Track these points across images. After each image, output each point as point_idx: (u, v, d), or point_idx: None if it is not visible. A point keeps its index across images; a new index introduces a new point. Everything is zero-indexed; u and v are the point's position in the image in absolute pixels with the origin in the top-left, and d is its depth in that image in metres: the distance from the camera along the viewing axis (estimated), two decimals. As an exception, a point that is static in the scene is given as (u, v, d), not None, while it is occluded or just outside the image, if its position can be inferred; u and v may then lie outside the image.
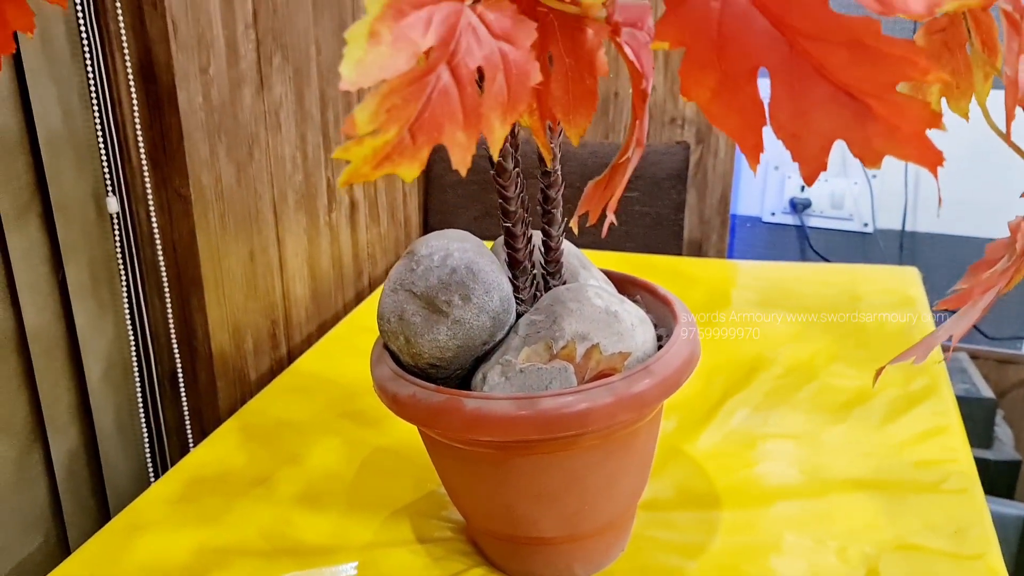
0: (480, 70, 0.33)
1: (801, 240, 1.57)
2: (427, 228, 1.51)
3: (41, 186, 0.75)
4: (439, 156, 1.50)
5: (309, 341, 1.15)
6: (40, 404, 0.77)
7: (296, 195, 1.09)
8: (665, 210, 1.39)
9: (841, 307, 1.04)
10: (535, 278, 0.66)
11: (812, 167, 0.34)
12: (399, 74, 0.31)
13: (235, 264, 0.98)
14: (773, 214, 1.59)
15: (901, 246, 1.51)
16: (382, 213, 1.35)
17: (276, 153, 1.04)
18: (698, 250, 1.52)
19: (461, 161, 0.34)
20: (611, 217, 0.39)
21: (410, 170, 0.34)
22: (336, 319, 1.22)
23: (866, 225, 1.53)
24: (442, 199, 1.50)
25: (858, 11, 0.31)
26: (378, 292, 1.22)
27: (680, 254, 1.37)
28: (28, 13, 0.46)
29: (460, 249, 0.61)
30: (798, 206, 1.57)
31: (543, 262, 0.66)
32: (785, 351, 0.94)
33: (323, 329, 1.19)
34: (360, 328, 1.10)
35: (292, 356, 1.11)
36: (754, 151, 0.35)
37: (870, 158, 0.34)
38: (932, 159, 0.33)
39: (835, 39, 0.31)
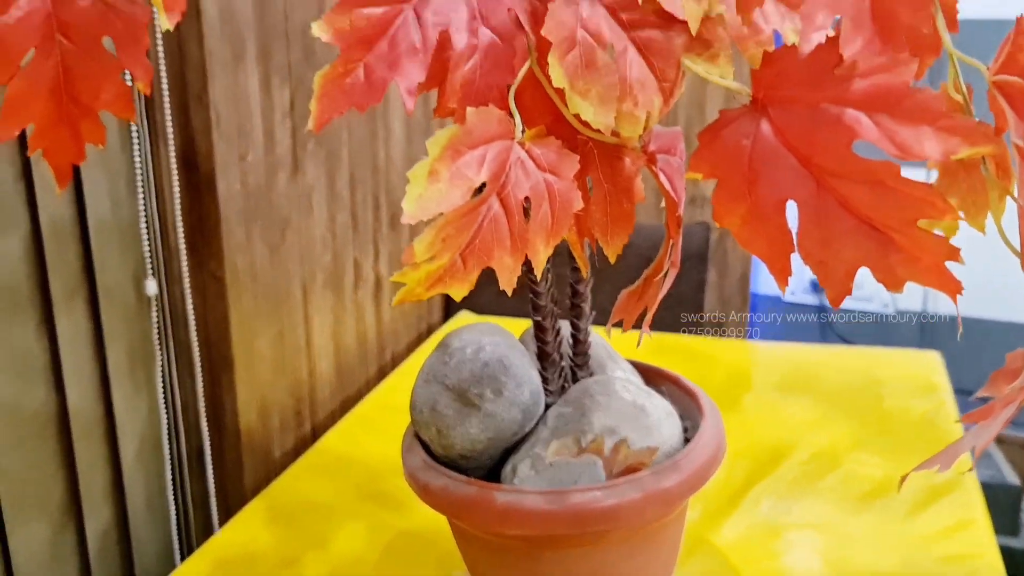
0: (527, 199, 0.36)
1: (821, 320, 1.58)
2: (449, 304, 1.54)
3: (88, 271, 0.78)
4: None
5: (333, 417, 1.17)
6: (77, 484, 0.78)
7: (324, 274, 1.12)
8: (685, 289, 1.41)
9: (863, 392, 1.05)
10: (563, 369, 0.68)
11: (838, 291, 0.36)
12: (454, 207, 0.33)
13: (265, 343, 1.00)
14: (793, 293, 1.61)
15: (922, 328, 1.52)
16: (406, 290, 1.38)
17: (307, 234, 1.07)
18: (719, 329, 1.53)
19: (508, 282, 0.36)
20: (646, 331, 0.41)
21: (460, 291, 0.36)
22: (359, 395, 1.24)
23: (886, 306, 1.54)
24: (465, 275, 1.52)
25: (880, 154, 0.34)
26: (401, 369, 1.24)
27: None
28: (101, 128, 0.49)
29: (492, 343, 0.63)
30: (818, 286, 1.59)
31: (571, 353, 0.68)
32: (808, 437, 0.95)
33: (346, 405, 1.20)
34: (383, 406, 1.12)
35: (316, 433, 1.13)
36: (782, 274, 0.37)
37: (893, 284, 0.36)
38: (952, 288, 0.35)
39: (858, 178, 0.34)
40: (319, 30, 0.32)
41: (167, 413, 0.91)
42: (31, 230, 0.73)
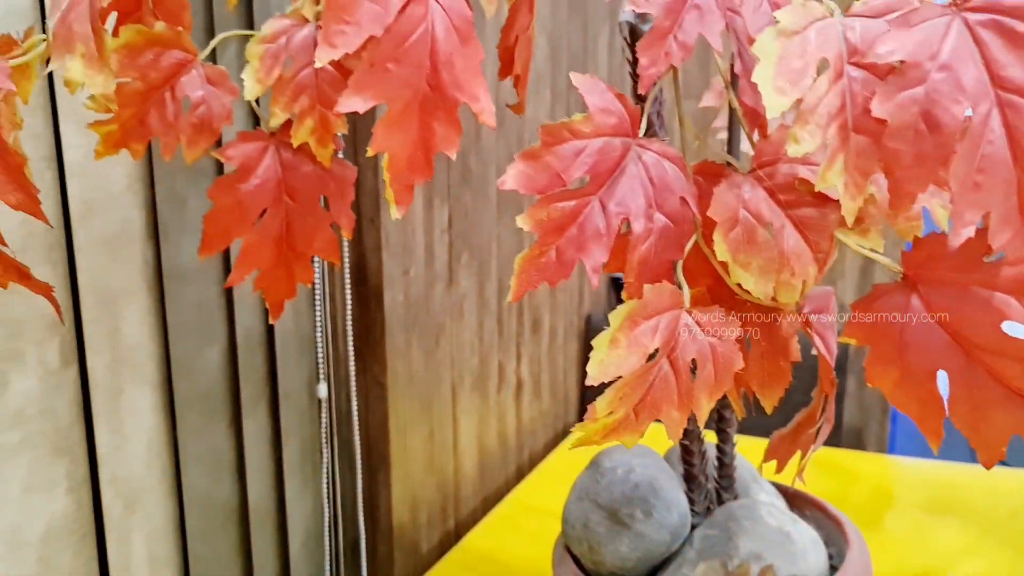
0: (694, 361, 0.40)
1: (968, 433, 1.52)
2: (584, 404, 1.58)
3: (271, 377, 0.88)
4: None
5: (474, 515, 1.22)
6: (252, 570, 0.86)
7: (472, 377, 1.19)
8: (823, 399, 1.40)
9: (1018, 518, 1.01)
10: (708, 491, 0.70)
11: (991, 455, 0.39)
12: (631, 371, 0.38)
13: (417, 443, 1.07)
14: (937, 404, 1.55)
15: (1081, 447, 1.43)
16: (544, 391, 1.43)
17: (457, 340, 1.15)
18: (857, 438, 1.50)
19: (674, 434, 0.40)
20: (801, 481, 0.44)
21: (631, 440, 0.41)
22: (498, 493, 1.29)
23: (1040, 421, 1.47)
24: (600, 376, 1.56)
25: (1029, 333, 0.36)
26: (538, 471, 1.28)
27: (839, 443, 1.36)
28: (310, 270, 0.57)
29: (642, 465, 0.67)
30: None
31: (716, 476, 0.71)
32: (957, 565, 0.92)
33: (486, 502, 1.25)
34: (523, 507, 1.16)
35: (459, 528, 1.18)
36: (935, 436, 0.40)
37: (1046, 450, 0.38)
38: (1106, 458, 0.37)
39: (1008, 355, 0.37)
40: (522, 222, 0.38)
41: (329, 506, 0.98)
42: (228, 342, 0.83)
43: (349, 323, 0.98)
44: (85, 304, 0.69)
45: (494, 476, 1.28)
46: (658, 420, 0.40)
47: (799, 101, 0.35)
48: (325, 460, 0.97)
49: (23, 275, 0.45)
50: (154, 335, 0.75)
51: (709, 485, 0.70)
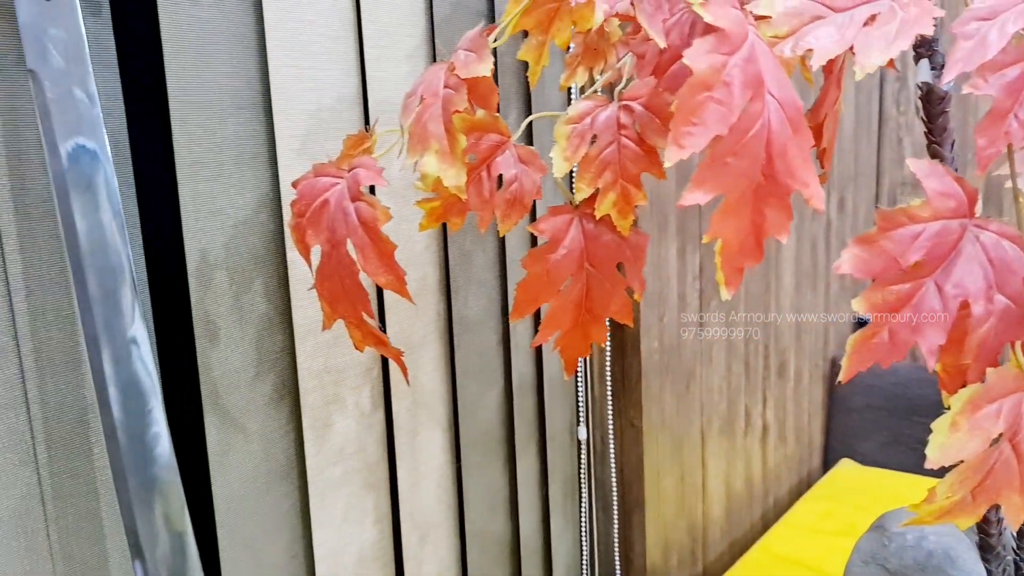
0: (1036, 446, 0.39)
1: None
2: (828, 451, 1.52)
3: (540, 419, 0.93)
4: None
5: (721, 559, 1.21)
6: (522, 603, 0.91)
7: (719, 421, 1.19)
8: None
9: None
10: (1007, 564, 0.66)
11: None
12: (973, 455, 0.38)
13: (669, 485, 1.08)
14: None
15: None
16: (788, 435, 1.40)
17: (706, 385, 1.15)
18: None
19: (1016, 520, 0.40)
20: None
21: (965, 523, 0.40)
22: (745, 539, 1.27)
23: None
24: (845, 422, 1.50)
25: None
26: (785, 520, 1.25)
27: None
28: (604, 330, 0.61)
29: (936, 532, 0.64)
30: None
31: (1015, 546, 0.67)
32: None
33: (733, 547, 1.24)
34: (774, 557, 1.14)
35: (707, 573, 1.17)
36: None
37: None
38: None
39: None
40: (857, 305, 0.39)
41: (586, 543, 1.02)
42: (504, 386, 0.89)
43: (608, 368, 1.02)
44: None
45: (740, 521, 1.26)
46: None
47: None
48: (584, 499, 1.01)
49: (380, 342, 0.51)
50: (444, 380, 0.82)
51: (1008, 556, 0.66)
